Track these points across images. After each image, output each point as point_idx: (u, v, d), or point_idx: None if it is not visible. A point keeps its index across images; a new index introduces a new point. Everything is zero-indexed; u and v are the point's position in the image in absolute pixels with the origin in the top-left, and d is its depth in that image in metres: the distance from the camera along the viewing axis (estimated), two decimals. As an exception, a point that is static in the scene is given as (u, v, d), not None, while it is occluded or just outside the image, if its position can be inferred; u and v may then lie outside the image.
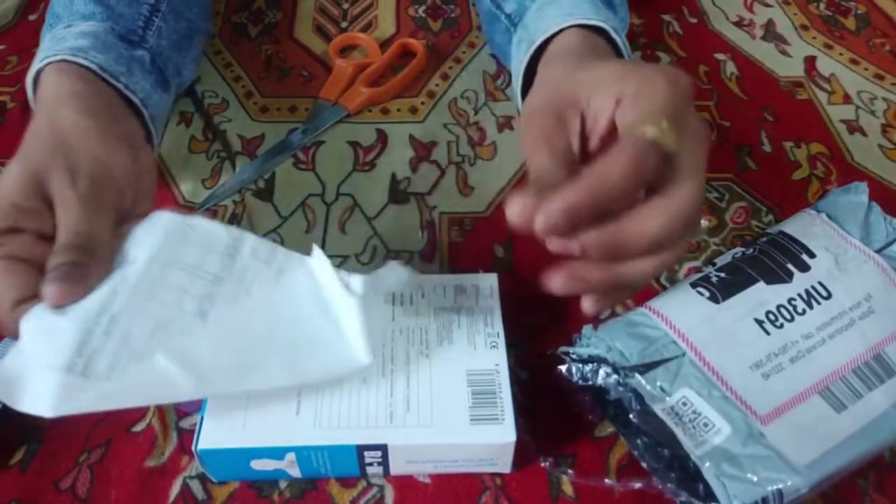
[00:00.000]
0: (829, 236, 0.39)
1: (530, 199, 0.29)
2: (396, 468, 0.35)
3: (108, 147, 0.37)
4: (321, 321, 0.34)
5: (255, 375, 0.33)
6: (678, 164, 0.30)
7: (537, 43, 0.43)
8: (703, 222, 0.34)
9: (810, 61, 0.60)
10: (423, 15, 0.65)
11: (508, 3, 0.51)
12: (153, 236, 0.35)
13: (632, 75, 0.33)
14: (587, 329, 0.37)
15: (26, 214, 0.34)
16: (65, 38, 0.42)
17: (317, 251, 0.35)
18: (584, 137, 0.34)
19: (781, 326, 0.36)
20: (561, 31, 0.42)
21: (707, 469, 0.32)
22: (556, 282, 0.30)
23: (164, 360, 0.31)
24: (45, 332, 0.31)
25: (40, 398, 0.30)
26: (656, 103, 0.30)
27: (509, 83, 0.58)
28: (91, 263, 0.33)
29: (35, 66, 0.41)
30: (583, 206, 0.28)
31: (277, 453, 0.33)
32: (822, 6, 0.66)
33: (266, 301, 0.34)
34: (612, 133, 0.33)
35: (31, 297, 0.32)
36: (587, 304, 0.32)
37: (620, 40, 0.43)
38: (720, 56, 0.61)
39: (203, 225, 0.36)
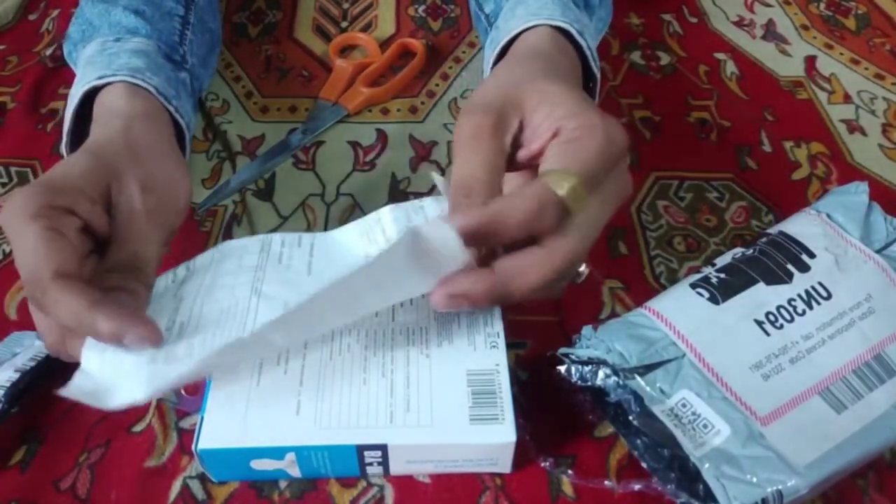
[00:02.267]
0: (829, 236, 0.39)
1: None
2: (396, 468, 0.35)
3: (179, 174, 0.39)
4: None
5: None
6: (573, 221, 0.32)
7: (502, 43, 0.43)
8: (582, 268, 0.36)
9: (810, 61, 0.60)
10: (423, 15, 0.65)
11: (488, 3, 0.50)
12: (197, 261, 0.40)
13: (579, 117, 0.33)
14: (587, 330, 0.37)
15: (84, 203, 0.34)
16: (118, 55, 0.43)
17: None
18: (517, 140, 0.35)
19: (781, 327, 0.36)
20: (525, 30, 0.42)
21: (707, 470, 0.32)
22: (439, 301, 0.32)
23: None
24: (115, 361, 0.33)
25: (131, 390, 0.32)
26: (582, 160, 0.32)
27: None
28: (140, 290, 0.34)
29: (91, 80, 0.41)
30: (477, 233, 0.31)
31: (277, 453, 0.33)
32: (822, 6, 0.66)
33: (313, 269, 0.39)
34: (539, 156, 0.34)
35: (69, 274, 0.32)
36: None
37: (585, 43, 0.43)
38: (720, 56, 0.61)
39: (233, 242, 0.41)
